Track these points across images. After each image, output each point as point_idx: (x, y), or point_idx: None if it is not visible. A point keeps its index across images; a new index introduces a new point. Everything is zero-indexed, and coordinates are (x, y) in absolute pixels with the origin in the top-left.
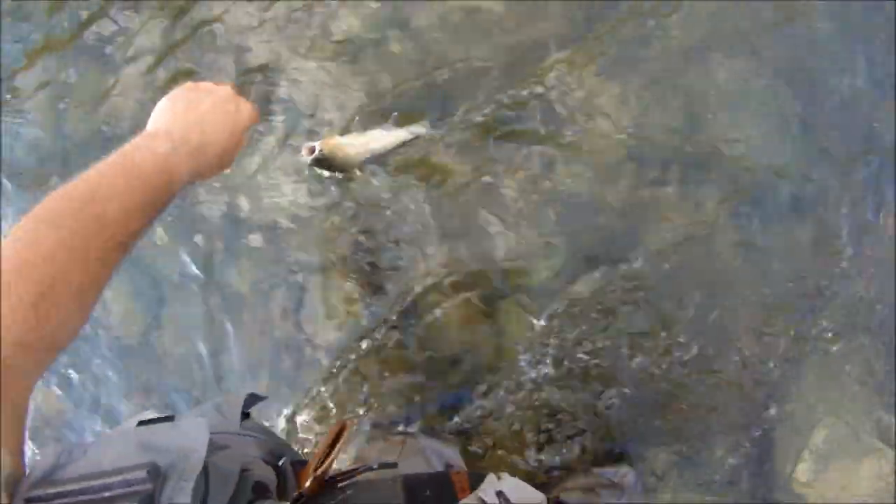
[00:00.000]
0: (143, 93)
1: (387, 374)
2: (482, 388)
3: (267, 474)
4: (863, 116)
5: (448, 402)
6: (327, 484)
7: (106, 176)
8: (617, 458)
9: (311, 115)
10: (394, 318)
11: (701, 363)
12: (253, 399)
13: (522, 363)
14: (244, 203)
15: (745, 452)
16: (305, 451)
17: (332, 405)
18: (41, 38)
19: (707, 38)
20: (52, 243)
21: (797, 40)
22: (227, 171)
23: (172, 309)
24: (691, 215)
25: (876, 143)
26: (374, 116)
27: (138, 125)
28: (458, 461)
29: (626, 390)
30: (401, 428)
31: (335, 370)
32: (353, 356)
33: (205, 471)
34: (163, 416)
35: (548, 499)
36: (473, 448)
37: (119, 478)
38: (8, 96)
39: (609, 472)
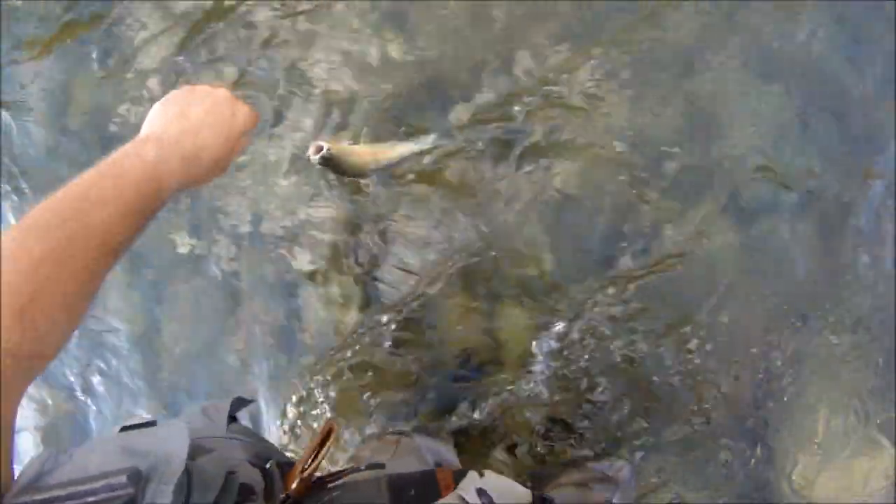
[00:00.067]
0: (145, 91)
1: (383, 373)
2: (479, 386)
3: (253, 476)
4: (863, 118)
5: (444, 401)
6: (315, 485)
7: (94, 184)
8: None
9: (318, 121)
10: (391, 317)
11: (700, 363)
12: (240, 403)
13: (519, 363)
14: (243, 203)
15: (744, 452)
16: (290, 453)
17: (325, 405)
18: (41, 39)
19: (707, 39)
20: (39, 253)
21: (797, 41)
22: (222, 176)
23: (169, 308)
24: (691, 217)
25: (876, 143)
26: (382, 125)
27: (139, 124)
28: (452, 459)
29: (625, 390)
30: (394, 427)
31: (330, 370)
32: (349, 356)
33: (188, 474)
34: (145, 421)
35: (533, 495)
36: (469, 446)
37: (102, 482)
38: (8, 96)
39: (604, 465)
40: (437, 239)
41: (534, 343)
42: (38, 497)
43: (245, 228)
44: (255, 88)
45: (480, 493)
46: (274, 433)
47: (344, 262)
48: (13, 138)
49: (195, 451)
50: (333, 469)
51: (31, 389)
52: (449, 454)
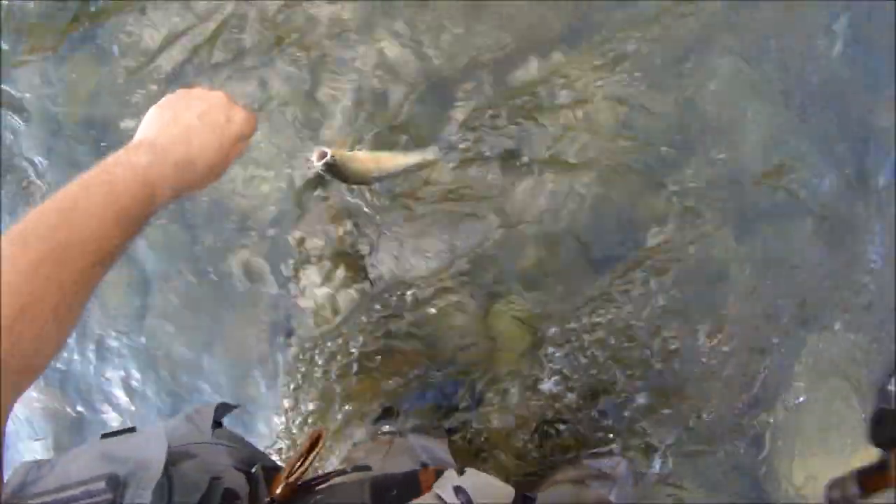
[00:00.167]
0: (145, 92)
1: (378, 373)
2: (474, 385)
3: (238, 482)
4: (863, 116)
5: (440, 400)
6: (301, 489)
7: (84, 191)
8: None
9: (318, 129)
10: (389, 318)
11: (699, 362)
12: (224, 408)
13: (516, 362)
14: (242, 202)
15: (744, 451)
16: (274, 455)
17: (317, 407)
18: (42, 39)
19: (707, 40)
20: (27, 264)
21: (798, 41)
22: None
23: (162, 307)
24: (692, 217)
25: (876, 144)
26: (385, 135)
27: (139, 126)
28: (445, 457)
29: (623, 389)
30: (387, 428)
31: (324, 372)
32: (343, 357)
33: (169, 479)
34: (125, 427)
35: (516, 493)
36: (464, 444)
37: (82, 489)
38: (9, 96)
39: (601, 462)
40: (437, 241)
41: (531, 343)
42: None
43: (242, 228)
44: (257, 94)
45: (458, 490)
46: (267, 437)
47: (339, 264)
48: (13, 138)
49: (178, 457)
50: (321, 472)
51: (40, 395)
52: (443, 453)
